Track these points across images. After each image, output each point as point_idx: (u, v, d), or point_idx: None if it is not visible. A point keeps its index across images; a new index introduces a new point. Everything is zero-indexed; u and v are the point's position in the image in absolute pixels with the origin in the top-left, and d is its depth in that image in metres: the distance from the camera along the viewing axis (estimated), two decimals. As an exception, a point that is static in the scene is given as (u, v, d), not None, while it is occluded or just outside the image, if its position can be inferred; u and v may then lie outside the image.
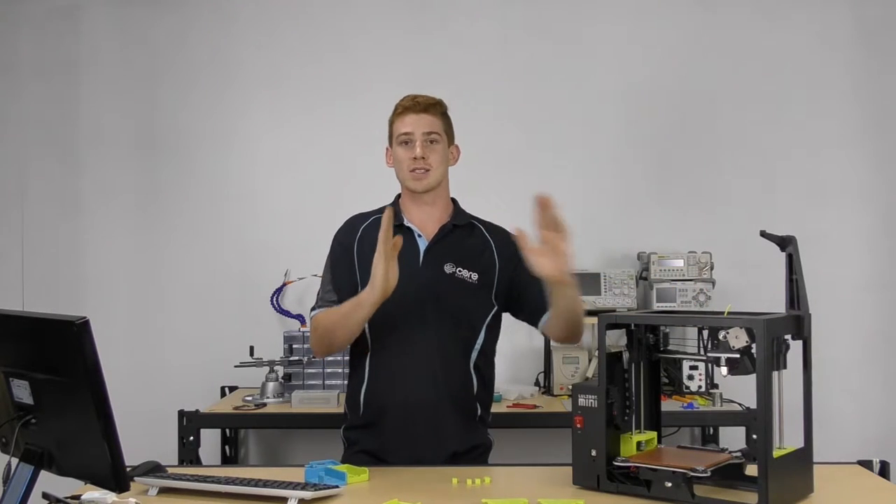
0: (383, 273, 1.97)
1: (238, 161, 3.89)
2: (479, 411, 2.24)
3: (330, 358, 3.46)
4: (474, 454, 2.21)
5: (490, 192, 3.60)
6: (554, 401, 3.40)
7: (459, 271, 2.18)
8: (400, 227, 2.21)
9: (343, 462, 2.09)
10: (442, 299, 2.17)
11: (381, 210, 2.29)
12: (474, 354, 2.21)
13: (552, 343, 3.59)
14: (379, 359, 2.20)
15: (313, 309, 2.25)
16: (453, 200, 2.33)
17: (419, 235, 2.22)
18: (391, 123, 2.25)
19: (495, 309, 2.24)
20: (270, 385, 3.41)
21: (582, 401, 1.77)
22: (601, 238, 3.78)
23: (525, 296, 2.20)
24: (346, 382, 2.36)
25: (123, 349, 3.75)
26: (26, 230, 3.92)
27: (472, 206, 2.34)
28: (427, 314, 2.15)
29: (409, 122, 2.19)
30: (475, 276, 2.20)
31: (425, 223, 2.24)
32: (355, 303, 2.08)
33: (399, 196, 2.31)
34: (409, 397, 2.15)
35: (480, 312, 2.21)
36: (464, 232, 2.26)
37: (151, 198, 3.90)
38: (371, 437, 2.19)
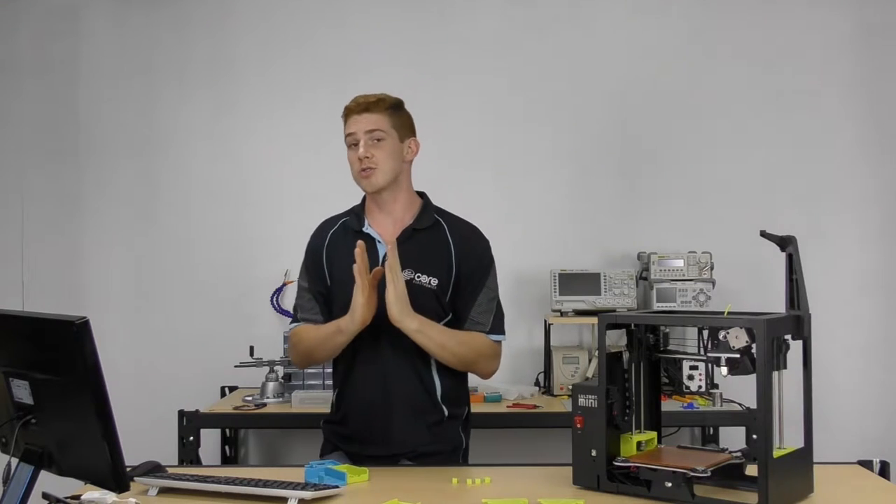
0: (363, 303, 2.05)
1: (238, 161, 3.88)
2: (446, 412, 2.23)
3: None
4: (442, 455, 2.20)
5: (489, 191, 3.61)
6: (554, 401, 3.39)
7: (418, 277, 2.18)
8: (359, 234, 2.22)
9: (321, 452, 2.17)
10: None
11: (347, 213, 2.31)
12: (434, 359, 2.18)
13: (552, 343, 3.59)
14: (345, 365, 2.25)
15: (294, 320, 2.31)
16: (421, 195, 2.31)
17: (379, 242, 2.22)
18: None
19: (449, 317, 2.22)
20: (270, 385, 3.40)
21: (582, 401, 1.77)
22: (601, 238, 3.79)
23: (456, 303, 2.22)
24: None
25: (123, 349, 3.75)
26: (26, 230, 3.92)
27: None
28: (385, 321, 2.09)
29: (352, 123, 2.23)
30: (434, 282, 2.19)
31: (387, 227, 2.24)
32: (335, 329, 2.14)
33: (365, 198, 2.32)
34: (366, 402, 2.20)
35: (437, 318, 2.18)
36: (426, 234, 2.24)
37: (151, 197, 3.89)
38: (339, 436, 2.26)
